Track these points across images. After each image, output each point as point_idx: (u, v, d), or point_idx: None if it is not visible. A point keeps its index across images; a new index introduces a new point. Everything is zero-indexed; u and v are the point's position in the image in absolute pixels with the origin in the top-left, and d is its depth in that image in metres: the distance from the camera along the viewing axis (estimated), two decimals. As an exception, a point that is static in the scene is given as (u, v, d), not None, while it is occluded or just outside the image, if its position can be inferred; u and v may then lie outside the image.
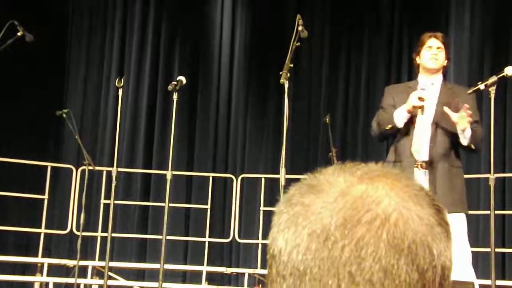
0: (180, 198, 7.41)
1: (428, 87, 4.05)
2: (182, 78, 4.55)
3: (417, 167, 3.95)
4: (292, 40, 4.10)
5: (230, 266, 7.19)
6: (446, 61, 4.17)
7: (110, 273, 6.14)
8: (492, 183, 3.70)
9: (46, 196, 6.83)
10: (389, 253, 0.59)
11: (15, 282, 6.78)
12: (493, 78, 3.69)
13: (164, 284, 4.84)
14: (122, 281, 6.76)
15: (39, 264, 6.57)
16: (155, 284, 5.83)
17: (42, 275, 6.46)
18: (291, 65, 4.12)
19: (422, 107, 3.91)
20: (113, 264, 6.39)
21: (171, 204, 4.60)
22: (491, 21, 7.35)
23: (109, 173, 6.52)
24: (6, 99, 7.13)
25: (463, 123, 3.79)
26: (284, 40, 5.65)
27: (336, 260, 0.60)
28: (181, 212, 7.49)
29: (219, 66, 8.00)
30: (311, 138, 7.69)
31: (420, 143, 3.97)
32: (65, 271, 6.67)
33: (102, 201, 6.91)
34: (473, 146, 3.88)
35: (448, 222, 0.64)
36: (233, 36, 8.06)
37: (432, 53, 4.10)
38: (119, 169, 5.02)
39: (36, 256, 6.69)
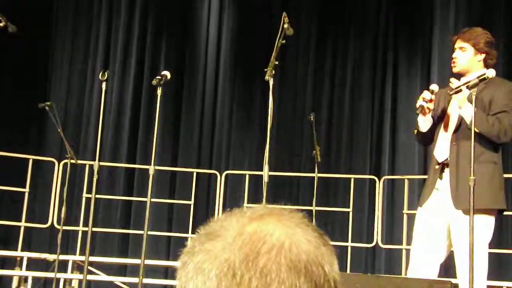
0: (164, 194, 7.38)
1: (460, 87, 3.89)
2: (167, 73, 4.51)
3: (439, 167, 3.89)
4: (278, 38, 4.09)
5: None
6: (482, 55, 3.96)
7: (90, 268, 6.10)
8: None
9: (27, 189, 6.77)
10: (290, 275, 0.66)
11: (-6, 276, 6.72)
12: (475, 80, 3.69)
13: (146, 280, 4.82)
14: (103, 276, 6.72)
15: (18, 258, 6.51)
16: (136, 279, 5.78)
17: (21, 269, 6.40)
18: (276, 63, 4.11)
19: (422, 107, 3.82)
20: (94, 259, 6.35)
21: (153, 200, 4.57)
22: (476, 22, 7.37)
23: (91, 167, 6.46)
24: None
25: (459, 101, 3.73)
26: (270, 38, 5.64)
27: None
28: (164, 208, 7.46)
29: (205, 62, 7.98)
30: (295, 135, 7.69)
31: (443, 145, 3.90)
32: (45, 265, 6.62)
33: (84, 195, 6.86)
34: (476, 130, 3.66)
35: (329, 242, 0.73)
36: (220, 32, 8.03)
37: (453, 56, 3.99)
38: (102, 163, 4.98)
39: (16, 249, 6.63)
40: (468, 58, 3.98)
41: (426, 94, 3.83)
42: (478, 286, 3.55)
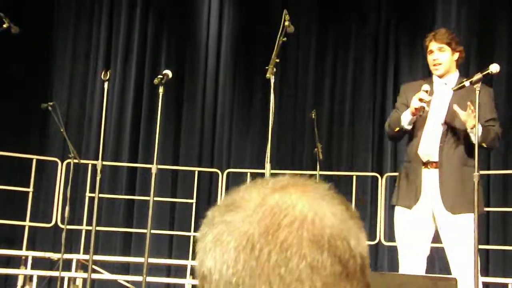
0: (166, 192, 7.40)
1: (440, 87, 4.02)
2: (168, 72, 4.54)
3: (427, 167, 3.91)
4: (279, 35, 4.10)
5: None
6: (456, 54, 4.06)
7: (94, 267, 6.13)
8: (476, 180, 3.72)
9: (31, 189, 6.81)
10: (312, 250, 0.63)
11: (-1, 275, 6.76)
12: (478, 75, 3.71)
13: (149, 278, 4.84)
14: (106, 275, 6.75)
15: (23, 257, 6.55)
16: (140, 278, 5.80)
17: (26, 268, 6.44)
18: (277, 60, 4.12)
19: (422, 108, 3.85)
20: (97, 257, 6.38)
21: (156, 198, 4.59)
22: (477, 19, 7.39)
23: (94, 167, 6.49)
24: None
25: (470, 121, 3.73)
26: (270, 35, 5.66)
27: (265, 266, 0.62)
28: (166, 206, 7.49)
29: (206, 60, 8.00)
30: (296, 133, 7.71)
31: (430, 144, 3.92)
32: (50, 264, 6.65)
33: (87, 194, 6.89)
34: (484, 145, 3.78)
35: (357, 215, 0.69)
36: (220, 30, 8.05)
37: (433, 58, 4.05)
38: (105, 163, 5.01)
39: (20, 249, 6.66)
40: (447, 59, 4.05)
41: (424, 96, 3.84)
42: (480, 282, 3.59)
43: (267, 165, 4.08)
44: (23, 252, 6.59)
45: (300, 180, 0.70)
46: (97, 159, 4.74)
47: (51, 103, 5.97)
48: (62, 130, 5.92)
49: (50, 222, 6.88)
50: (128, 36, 7.96)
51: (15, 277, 6.60)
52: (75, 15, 8.03)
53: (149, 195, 4.56)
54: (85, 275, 6.10)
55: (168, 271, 7.26)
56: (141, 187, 7.49)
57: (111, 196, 7.30)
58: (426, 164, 3.92)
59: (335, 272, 0.63)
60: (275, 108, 4.22)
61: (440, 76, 4.08)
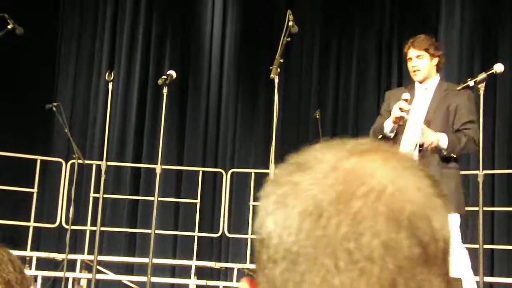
0: (170, 193, 7.40)
1: (421, 92, 4.09)
2: (172, 73, 4.54)
3: None
4: (283, 35, 4.10)
5: (219, 261, 7.19)
6: (435, 59, 4.13)
7: (99, 267, 6.14)
8: (480, 180, 3.72)
9: (35, 190, 6.82)
10: (388, 227, 0.55)
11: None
12: (483, 75, 3.71)
13: (153, 279, 4.84)
14: (111, 275, 6.76)
15: (27, 258, 6.56)
16: (144, 278, 5.82)
17: (30, 269, 6.45)
18: (281, 60, 4.13)
19: (402, 118, 3.91)
20: (102, 258, 6.39)
21: (160, 198, 4.60)
22: (481, 19, 7.38)
23: (98, 167, 6.50)
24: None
25: (433, 141, 3.84)
26: (274, 36, 5.66)
27: (332, 237, 0.55)
28: (170, 207, 7.49)
29: (210, 60, 8.00)
30: (301, 133, 7.70)
31: (409, 148, 3.98)
32: (54, 265, 6.66)
33: (92, 194, 6.90)
34: (454, 155, 3.88)
35: (446, 195, 0.60)
36: (224, 31, 8.05)
37: (412, 65, 4.14)
38: (109, 163, 5.01)
39: (25, 249, 6.67)
40: (426, 65, 4.12)
41: (403, 105, 3.91)
42: (475, 280, 3.62)
43: (272, 165, 4.08)
44: (27, 253, 6.60)
45: (382, 146, 0.61)
46: (101, 159, 4.75)
47: (55, 104, 5.98)
48: (66, 130, 5.93)
49: (54, 222, 6.89)
50: (132, 37, 7.97)
51: (19, 278, 6.60)
52: (80, 16, 8.04)
53: (153, 195, 4.56)
54: (89, 275, 6.11)
55: (173, 271, 7.27)
56: (145, 187, 7.50)
57: (115, 197, 7.31)
58: None
59: (412, 255, 0.55)
60: (279, 108, 4.22)
61: (420, 82, 4.15)
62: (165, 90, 4.51)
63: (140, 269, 6.97)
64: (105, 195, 4.96)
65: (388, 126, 4.03)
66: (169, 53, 7.95)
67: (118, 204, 7.52)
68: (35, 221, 6.83)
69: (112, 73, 4.74)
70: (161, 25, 8.02)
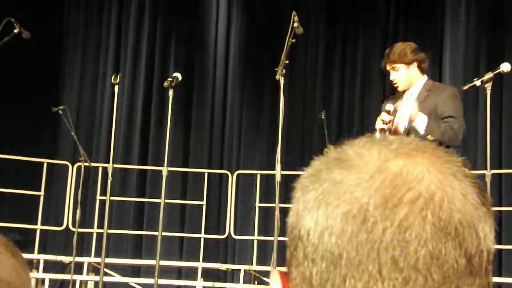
0: (176, 194, 7.41)
1: (407, 97, 4.16)
2: (178, 75, 4.55)
3: None
4: (288, 37, 4.11)
5: (225, 263, 7.19)
6: (413, 65, 4.17)
7: (106, 270, 6.15)
8: (488, 180, 3.71)
9: (42, 193, 6.83)
10: (435, 237, 0.53)
11: (11, 279, 6.78)
12: (489, 75, 3.71)
13: (160, 281, 4.85)
14: (118, 277, 6.77)
15: (35, 261, 6.57)
16: (151, 280, 5.83)
17: (38, 271, 6.46)
18: (287, 62, 4.13)
19: (383, 130, 3.97)
20: (109, 260, 6.40)
21: (166, 201, 4.60)
22: (487, 17, 7.36)
23: (105, 170, 6.51)
24: (2, 96, 7.11)
25: (412, 115, 3.91)
26: (279, 37, 5.66)
27: (376, 243, 0.54)
28: (176, 208, 7.50)
29: (215, 62, 8.00)
30: (306, 134, 7.70)
31: None
32: (61, 267, 6.68)
33: (98, 197, 6.91)
34: (430, 138, 3.85)
35: (491, 202, 0.59)
36: (228, 33, 8.06)
37: (390, 79, 4.21)
38: (115, 166, 5.02)
39: (32, 252, 6.69)
40: (403, 75, 4.17)
41: (385, 116, 3.97)
42: None
43: (278, 166, 4.08)
44: (35, 256, 6.62)
45: (428, 147, 0.59)
46: (107, 162, 4.76)
47: (61, 107, 6.00)
48: (72, 133, 5.95)
49: (61, 225, 6.91)
50: (137, 40, 7.98)
51: (27, 281, 6.62)
52: (84, 19, 8.06)
53: (159, 197, 4.57)
54: (96, 278, 6.12)
55: (179, 273, 7.27)
56: (151, 189, 7.51)
57: (121, 199, 7.32)
58: None
59: (458, 266, 0.54)
60: (285, 109, 4.22)
61: (405, 90, 4.23)
62: (170, 92, 4.51)
63: (146, 271, 6.97)
64: (111, 198, 4.96)
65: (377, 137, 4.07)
66: (174, 55, 7.96)
67: (124, 207, 7.53)
68: (42, 224, 6.84)
69: (118, 76, 4.76)
70: (165, 27, 8.03)
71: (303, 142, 7.73)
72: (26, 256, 6.66)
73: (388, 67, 4.21)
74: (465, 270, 0.54)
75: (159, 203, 4.59)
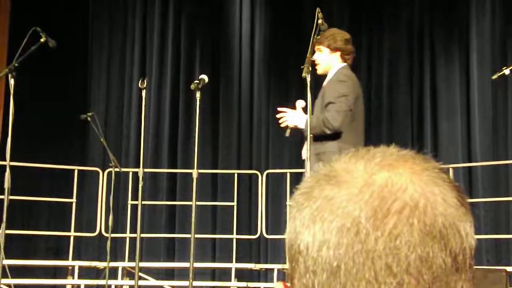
0: (206, 196, 7.43)
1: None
2: (205, 77, 4.55)
3: (303, 162, 4.26)
4: (312, 34, 4.09)
5: (258, 262, 7.19)
6: (337, 53, 4.34)
7: (140, 274, 6.18)
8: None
9: (74, 200, 6.90)
10: (423, 241, 0.59)
11: (47, 286, 6.86)
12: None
13: (194, 283, 4.85)
14: (152, 281, 6.80)
15: (69, 267, 6.64)
16: (185, 282, 5.85)
17: (73, 278, 6.53)
18: (313, 59, 4.12)
19: (289, 129, 4.27)
20: (142, 264, 6.44)
21: (198, 203, 4.61)
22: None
23: (135, 174, 6.56)
24: (31, 105, 7.19)
25: (296, 125, 4.24)
26: (303, 34, 5.63)
27: (370, 252, 0.59)
28: (207, 210, 7.52)
29: (240, 63, 8.00)
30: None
31: (304, 143, 4.29)
32: (96, 273, 6.73)
33: (129, 202, 6.96)
34: (311, 134, 4.09)
35: (468, 201, 0.64)
36: (253, 32, 8.05)
37: (312, 59, 4.32)
38: (145, 170, 5.04)
39: (67, 259, 6.76)
40: (324, 58, 4.37)
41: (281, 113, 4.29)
42: None
43: (307, 163, 4.06)
44: (69, 262, 6.69)
45: (408, 156, 0.64)
46: (136, 166, 4.79)
47: (90, 114, 6.04)
48: (102, 139, 5.99)
49: (94, 231, 6.97)
50: (161, 44, 8.01)
51: (63, 287, 6.69)
52: (109, 25, 8.12)
53: (189, 200, 4.57)
54: (131, 282, 6.16)
55: (213, 274, 7.28)
56: (182, 192, 7.53)
57: (153, 203, 7.36)
58: (303, 160, 4.29)
59: (445, 265, 0.59)
60: (312, 107, 4.21)
61: (324, 75, 4.43)
62: (198, 95, 4.52)
63: (180, 274, 7.00)
64: (143, 202, 4.99)
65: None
66: (199, 58, 7.98)
67: (155, 210, 7.57)
68: (75, 231, 6.91)
69: (145, 81, 4.78)
70: (189, 31, 8.05)
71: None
72: (60, 263, 6.75)
73: (315, 47, 4.33)
74: (452, 268, 0.60)
75: (190, 205, 4.60)
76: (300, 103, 4.21)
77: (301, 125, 4.22)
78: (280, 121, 4.31)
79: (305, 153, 4.23)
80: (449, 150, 7.34)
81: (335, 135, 4.20)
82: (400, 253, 0.58)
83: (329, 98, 4.23)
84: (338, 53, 4.35)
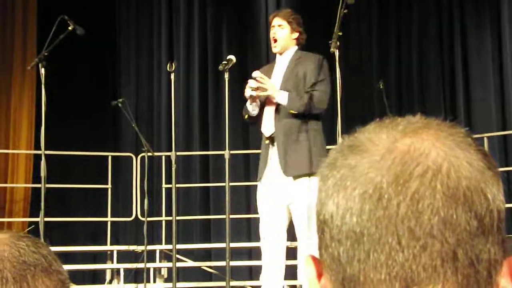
0: (239, 177, 7.44)
1: (279, 64, 4.34)
2: (232, 57, 4.53)
3: (266, 141, 4.21)
4: (339, 8, 4.04)
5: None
6: (295, 34, 4.33)
7: (177, 256, 6.25)
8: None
9: (109, 185, 6.98)
10: (446, 204, 0.59)
11: (87, 271, 6.97)
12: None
13: (231, 262, 4.89)
14: (190, 263, 6.87)
15: (108, 252, 6.73)
16: (222, 263, 5.90)
17: (112, 262, 6.62)
18: (340, 33, 4.08)
19: (253, 97, 4.17)
20: (179, 246, 6.49)
21: (231, 184, 4.62)
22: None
23: (168, 158, 6.59)
24: (61, 93, 7.26)
25: (271, 95, 4.14)
26: (330, 9, 5.57)
27: (393, 217, 0.59)
28: (241, 190, 7.53)
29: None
30: (365, 105, 7.59)
31: (268, 120, 4.22)
32: (134, 257, 6.82)
33: (164, 185, 7.01)
34: (293, 112, 4.07)
35: (496, 165, 0.63)
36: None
37: (272, 32, 4.34)
38: (178, 153, 5.07)
39: (105, 244, 6.85)
40: (285, 36, 4.34)
41: (252, 83, 4.14)
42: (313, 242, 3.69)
43: (339, 139, 4.04)
44: (108, 247, 6.78)
45: (433, 123, 0.64)
46: (168, 150, 4.82)
47: (120, 100, 6.08)
48: (134, 125, 6.03)
49: (130, 216, 7.04)
50: (188, 26, 8.00)
51: (102, 272, 6.80)
52: (136, 10, 8.14)
53: (222, 181, 4.58)
54: (169, 264, 6.22)
55: (249, 254, 7.31)
56: (215, 173, 7.56)
57: (187, 185, 7.40)
58: (269, 138, 4.21)
59: (470, 228, 0.59)
60: (342, 82, 4.18)
61: (280, 54, 4.36)
62: (226, 75, 4.50)
63: (216, 254, 7.04)
64: (177, 185, 5.02)
65: (249, 106, 4.28)
66: (226, 39, 7.95)
67: (189, 193, 7.61)
68: (112, 216, 7.00)
69: (173, 64, 4.78)
70: (216, 13, 8.02)
71: (363, 114, 7.61)
72: (100, 248, 6.84)
73: (274, 22, 4.32)
74: (477, 231, 0.59)
75: (224, 186, 4.61)
76: (255, 74, 4.16)
77: (280, 99, 4.14)
78: (256, 86, 4.15)
79: (271, 130, 4.20)
80: (483, 119, 7.23)
81: (317, 116, 4.24)
82: (422, 216, 0.58)
83: (316, 77, 4.21)
84: (297, 35, 4.36)
